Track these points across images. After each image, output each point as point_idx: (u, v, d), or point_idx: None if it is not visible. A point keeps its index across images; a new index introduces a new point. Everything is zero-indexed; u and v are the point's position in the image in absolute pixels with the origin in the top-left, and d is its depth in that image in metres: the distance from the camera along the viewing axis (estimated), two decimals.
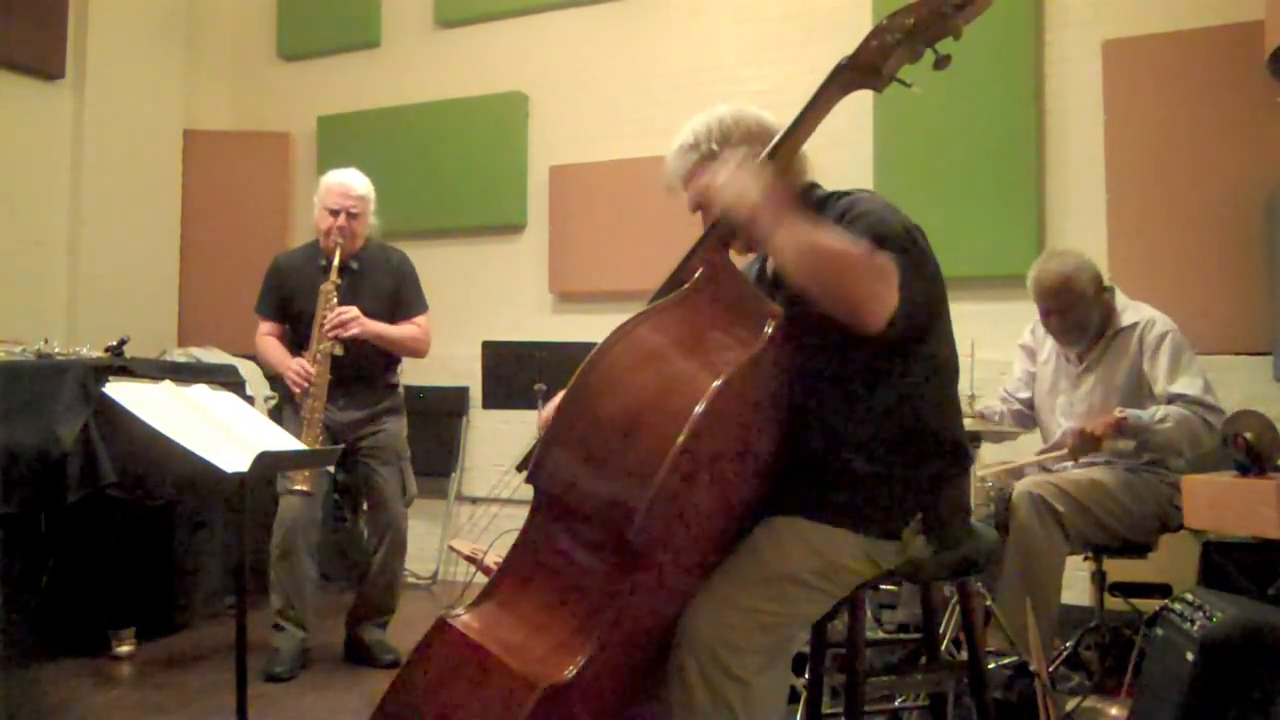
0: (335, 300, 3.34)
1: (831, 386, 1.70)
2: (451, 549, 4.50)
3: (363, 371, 3.46)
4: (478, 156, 5.02)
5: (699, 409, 1.48)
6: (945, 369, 1.81)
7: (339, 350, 3.30)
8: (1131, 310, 2.98)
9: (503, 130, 4.99)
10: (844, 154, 4.14)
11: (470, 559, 3.41)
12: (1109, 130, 3.83)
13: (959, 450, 1.80)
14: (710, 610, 1.62)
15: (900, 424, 1.73)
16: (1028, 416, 3.20)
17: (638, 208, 4.51)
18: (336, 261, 3.36)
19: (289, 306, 3.51)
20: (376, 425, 3.50)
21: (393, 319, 3.50)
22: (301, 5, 5.61)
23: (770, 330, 1.64)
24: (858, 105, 4.28)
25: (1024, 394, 3.22)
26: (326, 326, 3.29)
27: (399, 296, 3.53)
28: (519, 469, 1.82)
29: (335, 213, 3.41)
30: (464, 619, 1.58)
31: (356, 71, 5.45)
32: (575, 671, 1.46)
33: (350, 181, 3.48)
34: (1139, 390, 2.89)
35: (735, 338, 1.64)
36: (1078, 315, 2.94)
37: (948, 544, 1.76)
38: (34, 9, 4.65)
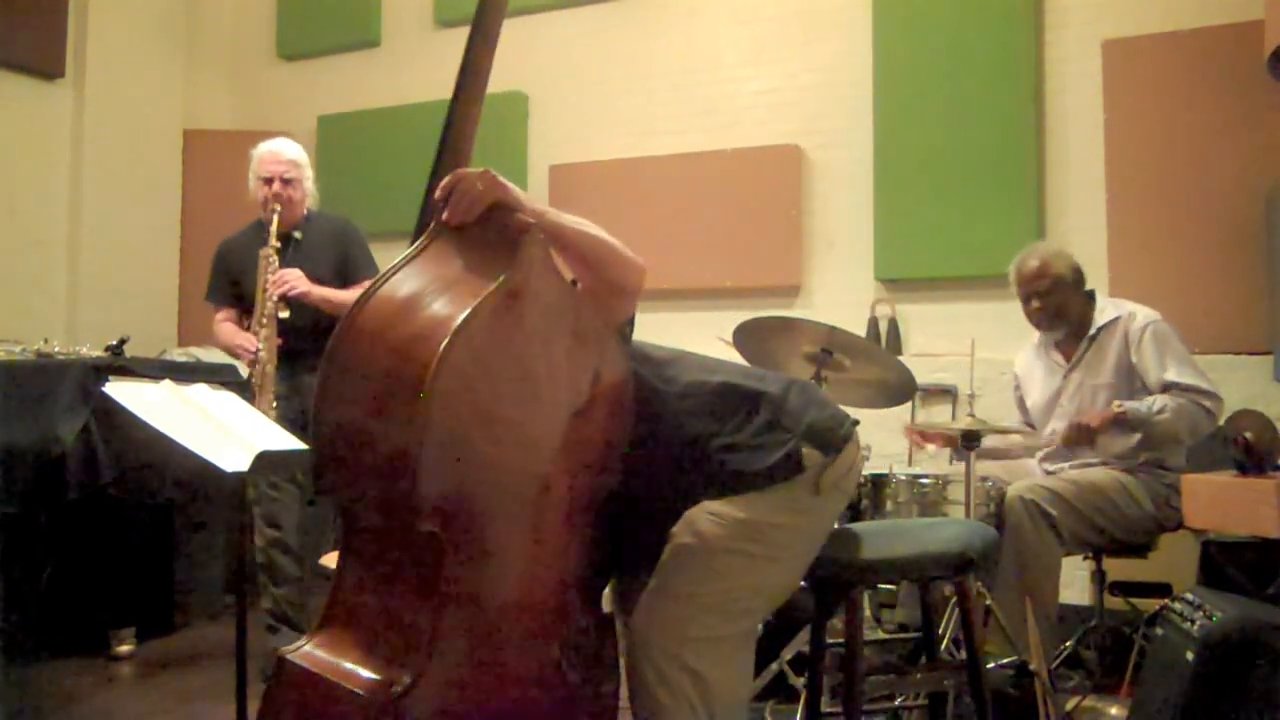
0: (276, 263, 3.25)
1: (655, 395, 1.73)
2: None
3: (319, 345, 3.35)
4: (477, 156, 4.90)
5: (443, 346, 1.41)
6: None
7: (284, 312, 3.21)
8: (1112, 307, 3.02)
9: (503, 130, 4.98)
10: (844, 153, 4.13)
11: None
12: (1109, 130, 3.83)
13: (764, 390, 1.78)
14: (651, 608, 1.64)
15: (719, 394, 1.73)
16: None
17: (638, 207, 4.51)
18: (275, 227, 3.28)
19: (239, 287, 3.43)
20: None
21: (344, 286, 3.35)
22: (301, 5, 5.61)
23: (530, 249, 1.59)
24: (858, 103, 4.31)
25: (1024, 417, 3.25)
26: (270, 289, 3.21)
27: (347, 260, 3.42)
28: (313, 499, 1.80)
29: (269, 181, 3.35)
30: (303, 650, 1.53)
31: (356, 71, 5.45)
32: (418, 672, 1.41)
33: (280, 148, 3.42)
34: (1129, 384, 2.90)
35: (489, 268, 1.57)
36: (1058, 299, 2.99)
37: (835, 443, 1.72)
38: (34, 9, 4.66)
